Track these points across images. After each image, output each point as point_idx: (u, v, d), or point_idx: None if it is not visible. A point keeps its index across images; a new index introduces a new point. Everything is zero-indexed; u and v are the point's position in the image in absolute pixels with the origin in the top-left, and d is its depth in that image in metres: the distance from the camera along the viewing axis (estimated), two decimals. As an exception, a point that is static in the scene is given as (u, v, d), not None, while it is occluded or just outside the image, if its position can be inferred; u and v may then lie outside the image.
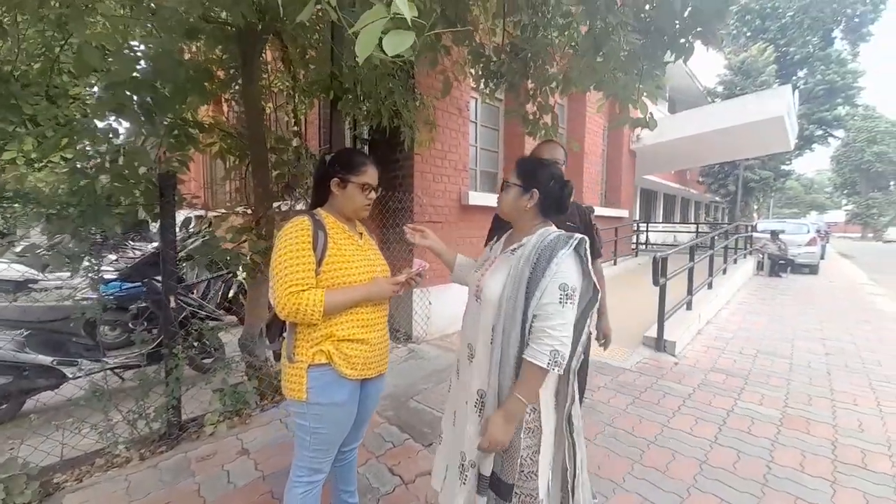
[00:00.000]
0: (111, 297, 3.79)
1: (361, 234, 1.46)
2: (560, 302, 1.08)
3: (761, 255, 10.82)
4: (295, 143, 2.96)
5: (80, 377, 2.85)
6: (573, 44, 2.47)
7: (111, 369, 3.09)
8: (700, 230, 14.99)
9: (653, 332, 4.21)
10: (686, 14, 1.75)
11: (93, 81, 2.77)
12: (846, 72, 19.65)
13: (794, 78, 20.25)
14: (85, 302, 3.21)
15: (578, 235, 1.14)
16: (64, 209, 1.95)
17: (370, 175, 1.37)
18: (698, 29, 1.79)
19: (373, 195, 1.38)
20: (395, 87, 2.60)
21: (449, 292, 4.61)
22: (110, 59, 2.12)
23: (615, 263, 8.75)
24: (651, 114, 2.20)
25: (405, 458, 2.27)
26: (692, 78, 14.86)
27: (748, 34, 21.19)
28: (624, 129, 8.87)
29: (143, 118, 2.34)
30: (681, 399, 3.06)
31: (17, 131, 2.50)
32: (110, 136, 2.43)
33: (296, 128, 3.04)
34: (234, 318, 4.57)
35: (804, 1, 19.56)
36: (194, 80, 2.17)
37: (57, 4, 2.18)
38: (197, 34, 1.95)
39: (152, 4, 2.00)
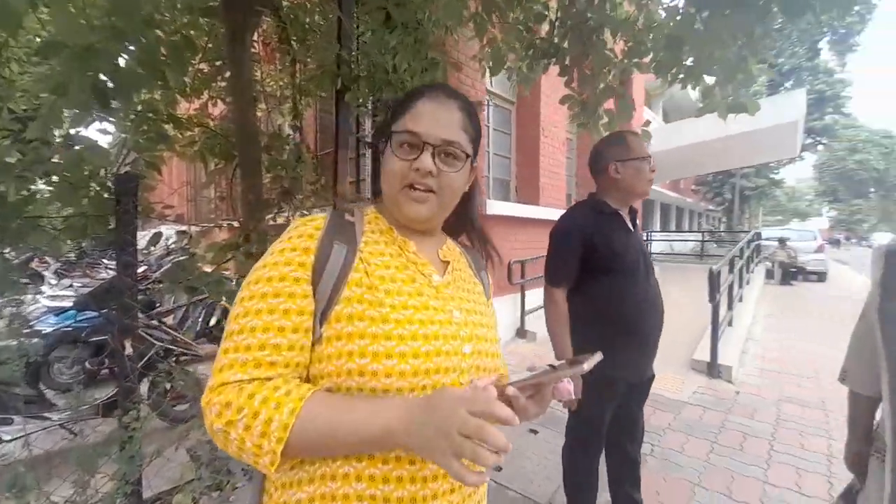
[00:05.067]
0: (66, 330, 3.18)
1: (448, 262, 0.71)
2: None
3: (770, 264, 10.57)
4: (295, 140, 2.41)
5: (17, 438, 2.20)
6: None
7: (61, 425, 2.46)
8: (704, 239, 14.77)
9: (701, 355, 3.71)
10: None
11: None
12: (834, 81, 20.03)
13: (781, 88, 20.55)
14: (29, 341, 2.58)
15: None
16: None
17: (418, 116, 0.62)
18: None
19: (426, 160, 0.60)
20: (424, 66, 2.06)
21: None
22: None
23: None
24: (753, 92, 1.74)
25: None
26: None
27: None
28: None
29: (96, 103, 1.76)
30: (766, 442, 2.54)
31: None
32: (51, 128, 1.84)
33: (295, 122, 2.49)
34: (216, 348, 3.92)
35: (789, 13, 20.02)
36: (171, 48, 1.62)
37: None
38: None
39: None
